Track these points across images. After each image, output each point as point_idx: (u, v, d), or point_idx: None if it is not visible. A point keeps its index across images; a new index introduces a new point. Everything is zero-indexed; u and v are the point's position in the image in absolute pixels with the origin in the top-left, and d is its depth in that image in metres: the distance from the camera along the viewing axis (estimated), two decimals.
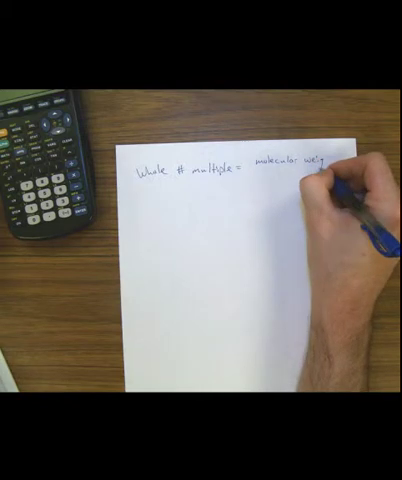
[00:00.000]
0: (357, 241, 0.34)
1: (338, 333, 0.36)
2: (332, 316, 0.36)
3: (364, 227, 0.34)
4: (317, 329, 0.37)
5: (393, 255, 0.32)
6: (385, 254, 0.32)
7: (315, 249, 0.38)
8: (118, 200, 0.42)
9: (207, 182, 0.42)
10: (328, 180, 0.37)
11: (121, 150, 0.42)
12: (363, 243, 0.34)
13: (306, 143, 0.41)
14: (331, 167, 0.39)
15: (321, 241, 0.36)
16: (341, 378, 0.36)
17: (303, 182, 0.37)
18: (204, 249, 0.42)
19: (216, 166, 0.42)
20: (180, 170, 0.42)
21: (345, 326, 0.36)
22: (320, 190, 0.36)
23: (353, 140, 0.41)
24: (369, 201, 0.35)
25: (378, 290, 0.37)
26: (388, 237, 0.32)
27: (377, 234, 0.33)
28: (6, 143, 0.41)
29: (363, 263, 0.35)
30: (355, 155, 0.41)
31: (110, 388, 0.42)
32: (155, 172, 0.42)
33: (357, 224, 0.35)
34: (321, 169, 0.40)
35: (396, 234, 0.33)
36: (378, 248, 0.33)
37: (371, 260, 0.34)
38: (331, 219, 0.36)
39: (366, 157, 0.36)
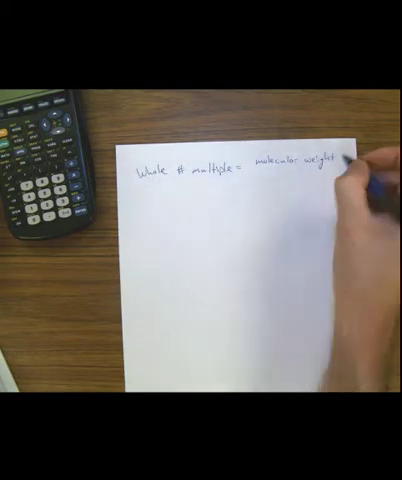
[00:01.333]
0: (395, 252, 0.31)
1: (366, 350, 0.32)
2: (360, 333, 0.32)
3: None
4: (342, 342, 0.33)
5: None
6: None
7: (346, 257, 0.33)
8: (118, 200, 0.42)
9: (207, 182, 0.42)
10: (365, 180, 0.33)
11: (121, 150, 0.42)
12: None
13: (306, 143, 0.41)
14: (367, 159, 0.34)
15: (354, 249, 0.32)
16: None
17: (338, 182, 0.33)
18: (204, 249, 0.42)
19: (216, 166, 0.42)
20: (180, 170, 0.42)
21: (373, 344, 0.32)
22: (357, 193, 0.32)
23: (353, 140, 0.41)
24: None
25: None
26: None
27: None
28: (6, 143, 0.41)
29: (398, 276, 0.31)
30: (355, 155, 0.41)
31: (110, 388, 0.42)
32: (155, 172, 0.42)
33: (397, 233, 0.31)
34: (345, 158, 0.35)
35: None
36: None
37: None
38: (368, 226, 0.32)
39: None
